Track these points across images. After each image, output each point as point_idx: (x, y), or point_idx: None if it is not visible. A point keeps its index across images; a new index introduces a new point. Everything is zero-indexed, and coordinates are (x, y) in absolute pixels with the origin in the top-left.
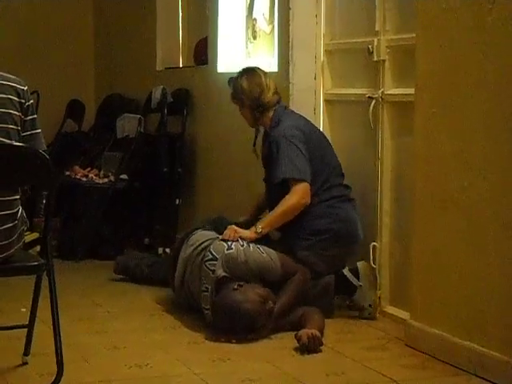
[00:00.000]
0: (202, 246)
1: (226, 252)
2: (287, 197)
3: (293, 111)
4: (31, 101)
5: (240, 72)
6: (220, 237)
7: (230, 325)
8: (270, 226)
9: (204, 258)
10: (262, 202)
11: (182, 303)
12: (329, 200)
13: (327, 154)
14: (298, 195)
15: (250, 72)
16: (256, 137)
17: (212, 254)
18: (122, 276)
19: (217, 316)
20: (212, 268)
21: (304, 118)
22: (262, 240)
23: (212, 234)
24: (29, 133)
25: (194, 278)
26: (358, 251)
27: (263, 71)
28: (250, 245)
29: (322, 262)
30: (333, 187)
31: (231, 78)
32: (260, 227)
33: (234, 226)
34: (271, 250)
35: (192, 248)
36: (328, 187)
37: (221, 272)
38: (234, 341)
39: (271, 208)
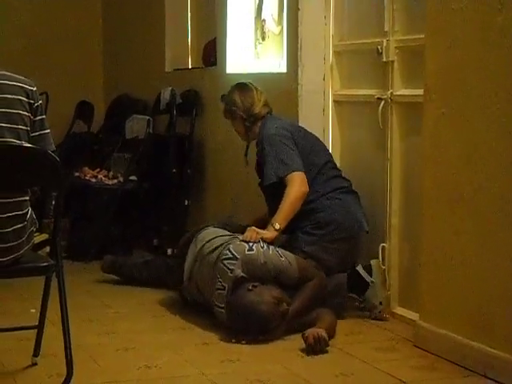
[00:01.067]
0: (214, 242)
1: (246, 253)
2: (287, 189)
3: (277, 117)
4: (40, 101)
5: (232, 87)
6: (240, 237)
7: (244, 325)
8: (284, 219)
9: (221, 256)
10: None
11: (188, 299)
12: (329, 193)
13: (315, 147)
14: (297, 184)
15: (242, 86)
16: (247, 146)
17: (232, 253)
18: (112, 275)
19: (231, 316)
20: (231, 267)
21: (287, 120)
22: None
23: (221, 230)
24: (38, 133)
25: (205, 274)
26: (362, 244)
27: (254, 86)
28: (270, 247)
29: (331, 256)
30: (330, 179)
31: (223, 95)
32: (276, 224)
33: (253, 227)
34: (290, 254)
35: (202, 243)
36: (325, 180)
37: (239, 272)
38: (243, 342)
39: (272, 210)
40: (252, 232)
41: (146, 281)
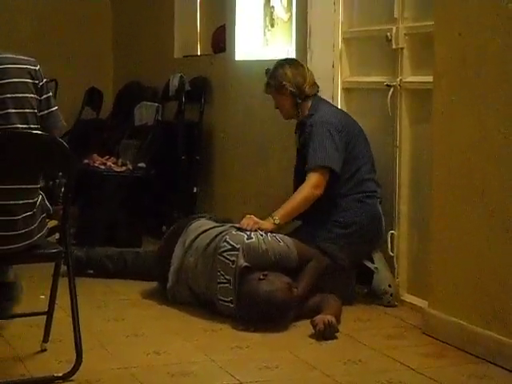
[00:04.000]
0: (209, 233)
1: (246, 241)
2: (301, 187)
3: (330, 102)
4: (45, 80)
5: (281, 62)
6: (237, 225)
7: (261, 315)
8: (286, 217)
9: (219, 248)
10: None
11: (176, 297)
12: (359, 193)
13: (362, 146)
14: (312, 186)
15: (293, 62)
16: (299, 123)
17: (230, 244)
18: (90, 271)
19: (245, 308)
20: (232, 258)
21: (342, 110)
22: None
23: (212, 222)
24: (45, 112)
25: (200, 270)
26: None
27: (302, 63)
28: (268, 234)
29: (346, 257)
30: (365, 181)
31: (268, 69)
32: (277, 218)
33: (252, 215)
34: (287, 238)
35: (195, 234)
36: (360, 181)
37: (243, 262)
38: (252, 329)
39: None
40: (250, 220)
41: (121, 272)
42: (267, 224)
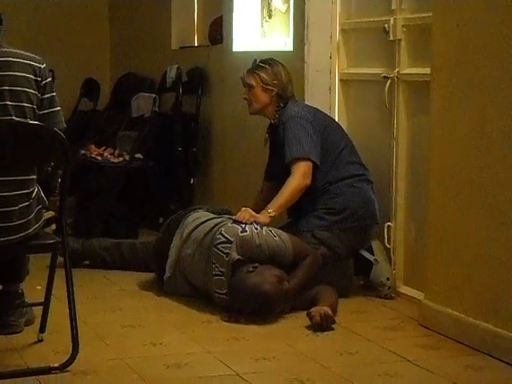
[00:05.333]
0: (206, 225)
1: (240, 235)
2: (289, 179)
3: (297, 101)
4: (49, 79)
5: (275, 60)
6: (233, 217)
7: (250, 307)
8: (280, 208)
9: (214, 240)
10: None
11: (174, 289)
12: (348, 178)
13: (337, 131)
14: (299, 176)
15: (281, 64)
16: (271, 125)
17: (225, 236)
18: (86, 262)
19: (235, 299)
20: (226, 251)
21: (309, 105)
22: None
23: (209, 214)
24: (46, 111)
25: (197, 261)
26: (372, 234)
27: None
28: (263, 228)
29: (342, 244)
30: (350, 164)
31: (257, 59)
32: (271, 211)
33: (248, 208)
34: (283, 233)
35: (193, 226)
36: (345, 164)
37: (235, 255)
38: (243, 320)
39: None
40: (246, 213)
41: (117, 264)
42: (263, 217)
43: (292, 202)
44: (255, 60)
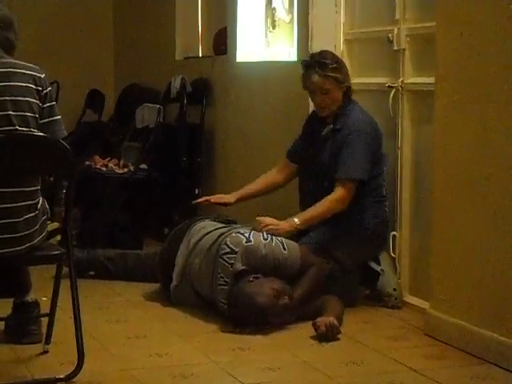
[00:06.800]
0: (213, 234)
1: (245, 244)
2: (330, 198)
3: (358, 104)
4: (49, 88)
5: (333, 55)
6: (259, 218)
7: (244, 316)
8: (306, 223)
9: (220, 251)
10: (260, 187)
11: (180, 298)
12: (376, 197)
13: (383, 150)
14: (339, 200)
15: (336, 55)
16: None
17: (229, 246)
18: (91, 273)
19: (230, 307)
20: (231, 261)
21: (367, 113)
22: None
23: (215, 223)
24: (47, 120)
25: (204, 271)
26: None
27: None
28: (273, 239)
29: (353, 262)
30: (379, 187)
31: (305, 60)
32: (298, 223)
33: (272, 218)
34: (294, 246)
35: (199, 236)
36: (378, 185)
37: (239, 265)
38: (238, 330)
39: (313, 199)
40: (268, 219)
41: (122, 274)
42: (286, 224)
43: (319, 221)
44: (305, 61)
